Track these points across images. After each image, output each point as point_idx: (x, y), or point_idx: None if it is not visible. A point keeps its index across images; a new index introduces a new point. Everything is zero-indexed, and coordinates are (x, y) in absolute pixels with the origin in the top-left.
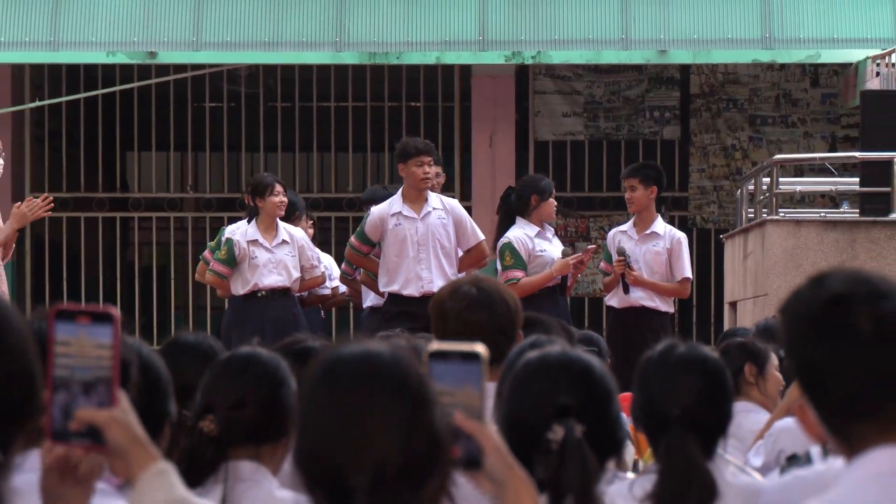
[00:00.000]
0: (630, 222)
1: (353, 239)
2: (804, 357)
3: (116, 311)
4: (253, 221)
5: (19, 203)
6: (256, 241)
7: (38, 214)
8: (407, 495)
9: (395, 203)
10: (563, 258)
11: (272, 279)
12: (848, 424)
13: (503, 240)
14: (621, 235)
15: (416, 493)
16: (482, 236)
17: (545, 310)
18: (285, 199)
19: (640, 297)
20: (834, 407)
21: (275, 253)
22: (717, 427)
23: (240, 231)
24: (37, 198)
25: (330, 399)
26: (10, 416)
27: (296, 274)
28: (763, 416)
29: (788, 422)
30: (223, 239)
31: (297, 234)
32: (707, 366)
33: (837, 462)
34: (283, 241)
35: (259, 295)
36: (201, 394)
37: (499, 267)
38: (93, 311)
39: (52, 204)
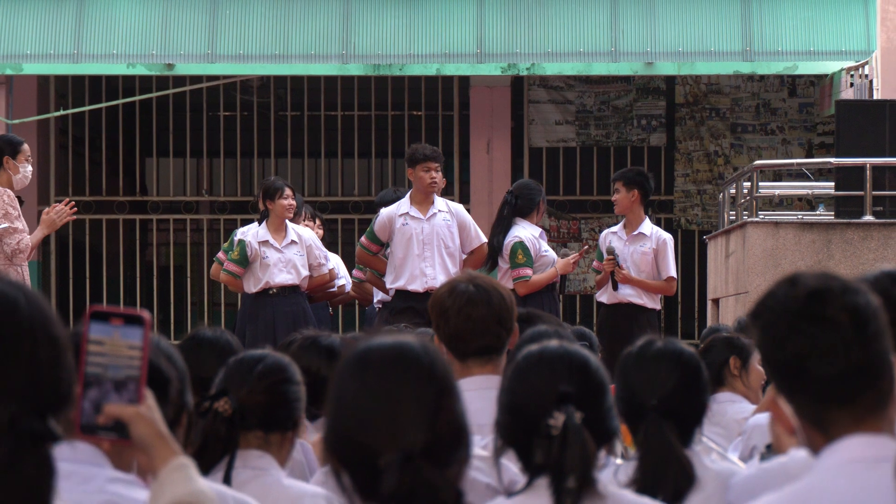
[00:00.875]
0: (620, 224)
1: (363, 239)
2: (785, 349)
3: (148, 315)
4: (264, 223)
5: (48, 209)
6: (267, 241)
7: (64, 220)
8: (431, 475)
9: (402, 205)
10: (562, 259)
11: (282, 277)
12: (826, 412)
13: (514, 239)
14: (612, 236)
15: (440, 473)
16: (485, 239)
17: (546, 304)
18: (294, 202)
19: (628, 295)
20: (814, 395)
21: (284, 253)
22: (693, 416)
23: (251, 232)
24: (59, 202)
25: (363, 384)
26: (50, 399)
27: (304, 272)
28: (746, 405)
29: (760, 418)
30: (235, 240)
31: (306, 234)
32: (682, 359)
33: (801, 453)
34: (292, 242)
35: (270, 292)
36: (218, 383)
37: (504, 265)
38: (126, 314)
39: (76, 209)
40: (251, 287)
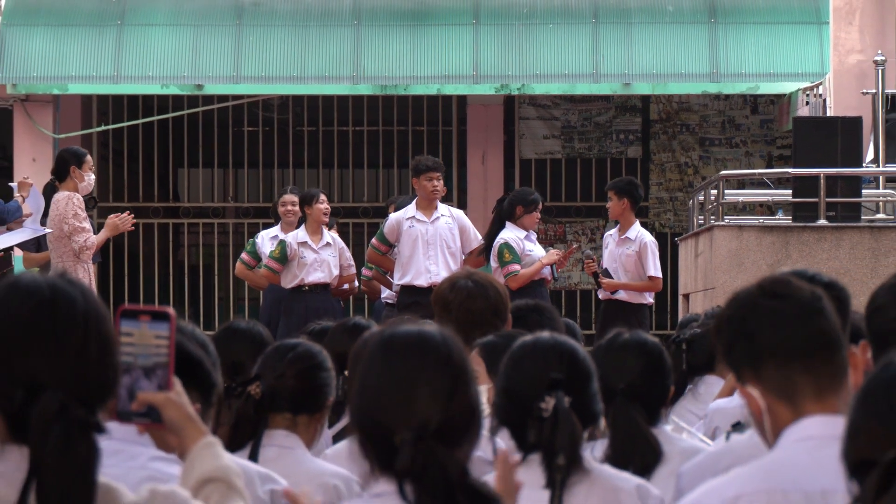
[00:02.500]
0: (616, 227)
1: (374, 240)
2: (748, 324)
3: (173, 311)
4: (302, 226)
5: (113, 216)
6: (306, 242)
7: (126, 227)
8: (441, 454)
9: (409, 209)
10: (549, 253)
11: (316, 276)
12: (791, 379)
13: (500, 241)
14: (609, 238)
15: (452, 451)
16: (482, 241)
17: (537, 297)
18: (329, 207)
19: (617, 294)
20: (780, 360)
21: (320, 254)
22: (657, 398)
23: (291, 234)
24: (111, 209)
25: (385, 367)
26: (96, 391)
27: (335, 272)
28: None
29: (721, 402)
30: (257, 241)
31: (338, 239)
32: (647, 348)
33: (741, 437)
34: (327, 244)
35: (304, 289)
36: (256, 369)
37: (494, 264)
38: (152, 310)
39: (133, 218)
40: (287, 283)
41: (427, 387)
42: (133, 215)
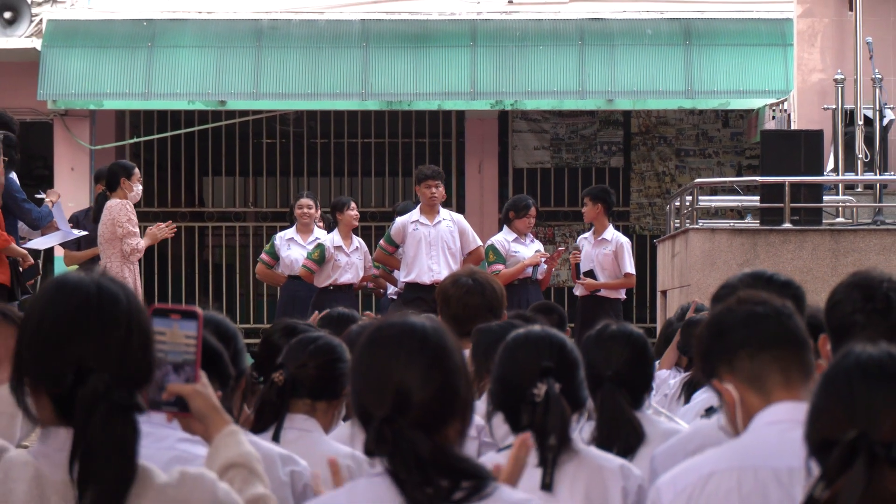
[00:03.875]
0: (591, 231)
1: (381, 242)
2: (725, 322)
3: (201, 311)
4: (335, 231)
5: (154, 225)
6: (340, 247)
7: (164, 236)
8: (412, 434)
9: (414, 214)
10: (533, 254)
11: (346, 277)
12: (762, 368)
13: (488, 242)
14: (583, 241)
15: (421, 433)
16: (480, 242)
17: (529, 294)
18: (358, 213)
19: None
20: (752, 350)
21: (351, 257)
22: (641, 385)
23: (327, 238)
24: (142, 214)
25: (368, 354)
26: (136, 377)
27: (361, 274)
28: None
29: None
30: (276, 241)
31: (363, 243)
32: (632, 339)
33: (709, 421)
34: (356, 248)
35: (330, 288)
36: (281, 358)
37: (486, 263)
38: (182, 310)
39: (175, 228)
40: (320, 282)
41: (403, 371)
42: (173, 225)
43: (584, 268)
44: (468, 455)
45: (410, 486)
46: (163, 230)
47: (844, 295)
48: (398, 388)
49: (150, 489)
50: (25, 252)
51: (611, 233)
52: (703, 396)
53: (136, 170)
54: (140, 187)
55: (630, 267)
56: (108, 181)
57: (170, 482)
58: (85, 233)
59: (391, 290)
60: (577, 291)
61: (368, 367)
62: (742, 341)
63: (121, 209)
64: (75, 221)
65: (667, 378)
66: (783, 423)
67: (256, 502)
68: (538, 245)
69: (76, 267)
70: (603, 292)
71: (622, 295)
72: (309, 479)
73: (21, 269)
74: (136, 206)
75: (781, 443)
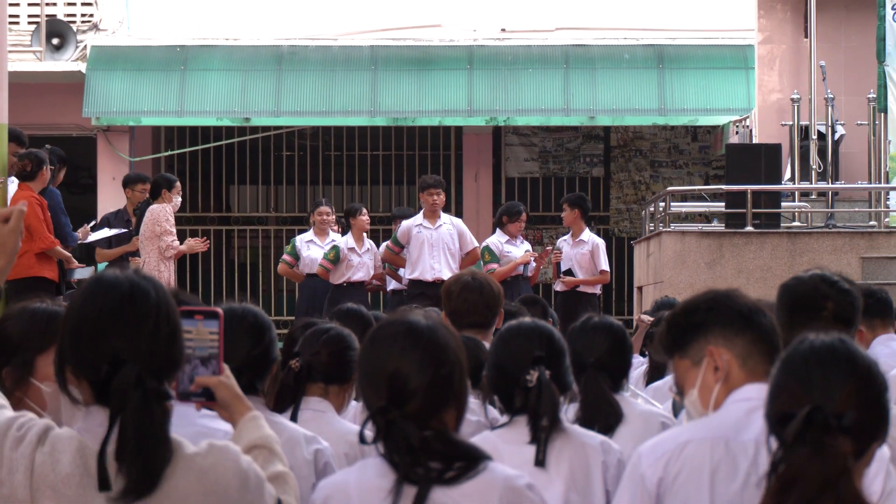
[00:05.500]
0: (569, 233)
1: (388, 243)
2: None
3: (221, 311)
4: (349, 234)
5: (190, 239)
6: (353, 248)
7: (197, 250)
8: (401, 422)
9: (418, 218)
10: (523, 254)
11: (358, 276)
12: (752, 352)
13: (483, 244)
14: (563, 242)
15: (426, 420)
16: (476, 244)
17: (520, 289)
18: (369, 218)
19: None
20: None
21: (363, 258)
22: (620, 371)
23: (342, 240)
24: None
25: (370, 347)
26: (165, 365)
27: (371, 272)
28: None
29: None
30: (296, 243)
31: (374, 245)
32: (612, 329)
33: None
34: (367, 249)
35: (344, 285)
36: (298, 346)
37: (482, 262)
38: (206, 310)
39: (208, 244)
40: (336, 279)
41: (396, 365)
42: (207, 241)
43: (563, 267)
44: (463, 439)
45: (403, 468)
46: (198, 244)
47: (792, 291)
48: (391, 381)
49: (181, 458)
50: (69, 255)
51: (587, 235)
52: (665, 380)
53: (178, 183)
54: (179, 198)
55: (605, 265)
56: (152, 190)
57: (199, 452)
58: (125, 230)
59: (393, 285)
60: (558, 287)
61: (368, 361)
62: (738, 322)
63: (161, 211)
64: (106, 222)
65: (635, 364)
66: (752, 401)
67: (276, 479)
68: (527, 246)
69: (106, 263)
70: (581, 288)
71: (598, 290)
72: (330, 457)
73: (66, 268)
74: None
75: (749, 418)
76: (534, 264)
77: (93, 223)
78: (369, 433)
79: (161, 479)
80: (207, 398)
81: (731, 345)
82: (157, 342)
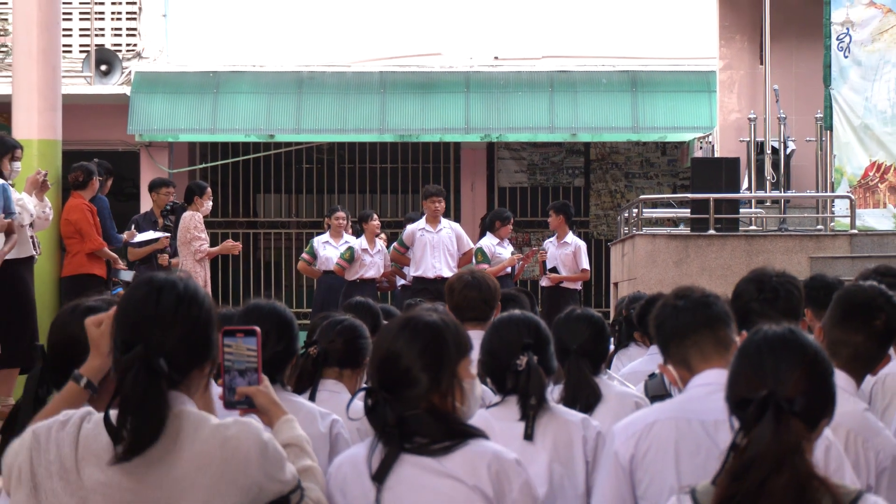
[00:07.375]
0: (555, 236)
1: (395, 245)
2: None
3: (259, 329)
4: (362, 237)
5: (227, 241)
6: (366, 249)
7: (230, 252)
8: (384, 405)
9: (421, 223)
10: (511, 256)
11: (370, 273)
12: (686, 352)
13: (477, 245)
14: (549, 244)
15: (411, 408)
16: (472, 245)
17: (507, 286)
18: (380, 223)
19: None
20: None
21: (374, 258)
22: (599, 357)
23: (356, 242)
24: (207, 223)
25: (381, 341)
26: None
27: (382, 270)
28: None
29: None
30: (314, 245)
31: (384, 247)
32: (593, 320)
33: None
34: (378, 251)
35: (357, 282)
36: (316, 335)
37: (475, 262)
38: (245, 329)
39: (240, 247)
40: (350, 277)
41: (400, 357)
42: (239, 245)
43: (549, 265)
44: (457, 418)
45: (385, 440)
46: (233, 247)
47: (743, 288)
48: (383, 363)
49: (206, 427)
50: (116, 256)
51: (571, 237)
52: (637, 362)
53: (209, 189)
54: (210, 203)
55: (586, 264)
56: (185, 197)
57: (224, 423)
58: (166, 234)
59: (400, 281)
60: (544, 283)
61: (376, 352)
62: (671, 333)
63: (190, 219)
64: (136, 223)
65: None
66: (712, 385)
67: (305, 472)
68: (511, 248)
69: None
70: (564, 284)
71: (579, 286)
72: (342, 428)
73: (112, 267)
74: (205, 217)
75: (710, 401)
76: (520, 263)
77: (132, 227)
78: (357, 409)
79: (156, 438)
80: (248, 405)
81: (670, 357)
82: (172, 331)
